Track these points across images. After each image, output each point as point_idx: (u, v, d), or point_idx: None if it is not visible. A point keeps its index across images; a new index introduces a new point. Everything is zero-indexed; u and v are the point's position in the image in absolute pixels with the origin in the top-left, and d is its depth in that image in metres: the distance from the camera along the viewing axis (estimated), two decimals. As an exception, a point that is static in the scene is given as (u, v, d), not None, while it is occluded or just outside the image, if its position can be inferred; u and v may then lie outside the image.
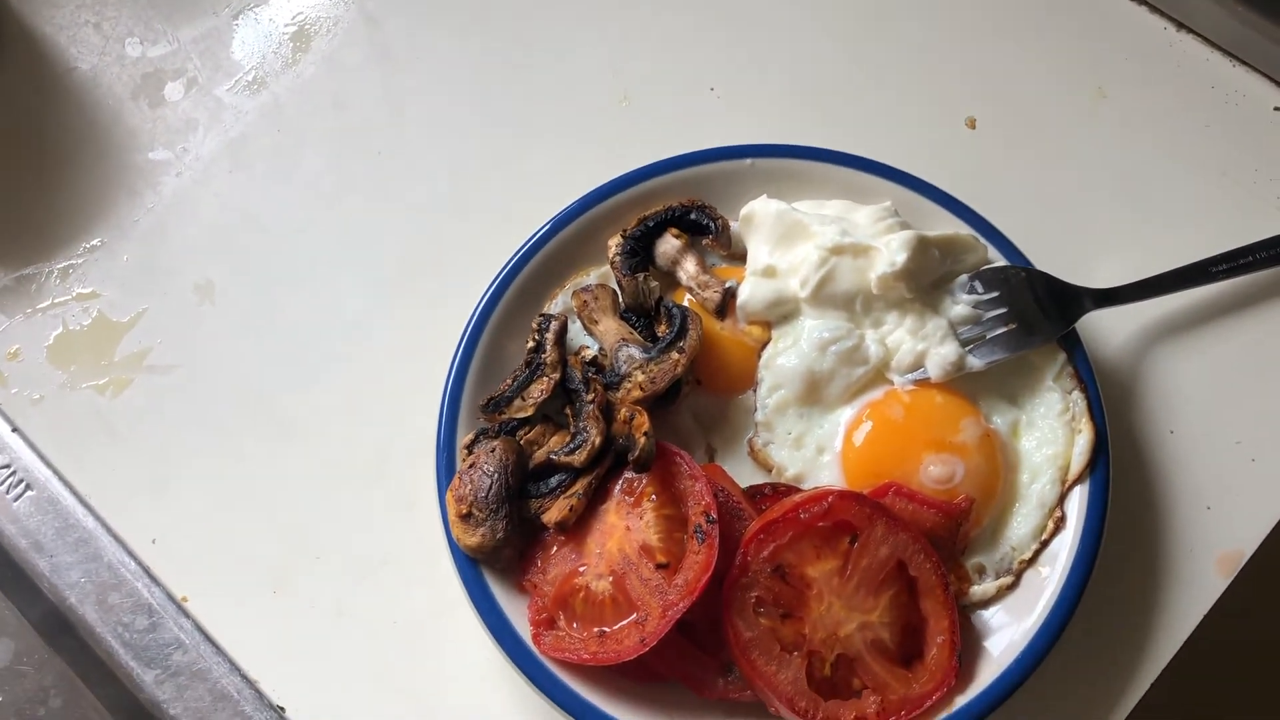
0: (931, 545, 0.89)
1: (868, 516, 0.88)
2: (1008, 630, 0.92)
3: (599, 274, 1.05)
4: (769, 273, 1.01)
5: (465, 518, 0.91)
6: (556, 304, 1.03)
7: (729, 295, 1.02)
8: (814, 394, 0.98)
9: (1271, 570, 1.02)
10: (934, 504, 0.92)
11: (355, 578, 1.01)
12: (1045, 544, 0.95)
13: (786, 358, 0.99)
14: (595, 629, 0.89)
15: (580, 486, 0.92)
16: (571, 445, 0.93)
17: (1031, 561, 0.94)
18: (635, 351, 0.97)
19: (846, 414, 0.98)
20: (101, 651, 0.99)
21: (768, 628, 0.87)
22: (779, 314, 1.01)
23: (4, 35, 1.26)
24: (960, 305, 1.00)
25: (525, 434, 0.96)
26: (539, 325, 0.99)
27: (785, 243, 1.02)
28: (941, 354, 0.97)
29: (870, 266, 0.98)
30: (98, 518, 1.03)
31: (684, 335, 0.96)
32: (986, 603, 0.94)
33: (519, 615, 0.91)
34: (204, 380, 1.10)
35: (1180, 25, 1.26)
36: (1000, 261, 1.03)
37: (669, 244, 1.04)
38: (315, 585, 1.01)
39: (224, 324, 1.12)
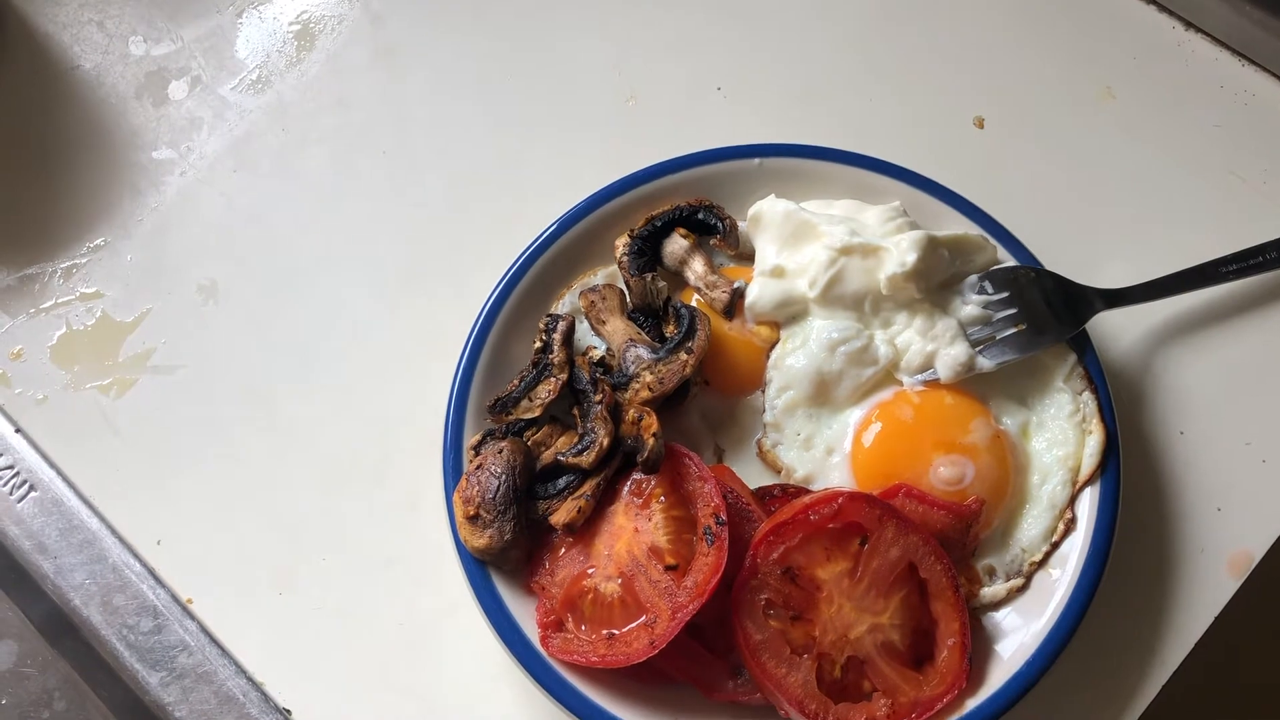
0: (942, 547, 0.89)
1: (878, 518, 0.88)
2: (1018, 632, 0.92)
3: (606, 274, 1.05)
4: (777, 273, 1.01)
5: (473, 519, 0.90)
6: (564, 304, 1.03)
7: (737, 295, 1.01)
8: (823, 395, 0.98)
9: (1283, 571, 1.02)
10: (944, 505, 0.92)
11: (360, 579, 1.01)
12: (1056, 545, 0.94)
13: (795, 358, 0.98)
14: (604, 631, 0.88)
15: (588, 488, 0.91)
16: (579, 446, 0.92)
17: (1042, 563, 0.94)
18: (643, 352, 0.96)
19: (856, 415, 0.98)
20: (106, 654, 0.99)
21: (777, 630, 0.86)
22: (787, 314, 1.01)
23: (7, 34, 1.26)
24: (970, 306, 1.00)
25: (532, 435, 0.95)
26: (546, 325, 0.99)
27: (793, 243, 1.01)
28: (951, 355, 0.97)
29: (879, 267, 0.97)
30: (102, 519, 1.03)
31: (692, 335, 0.96)
32: (997, 605, 0.94)
33: (527, 617, 0.90)
34: (208, 380, 1.09)
35: (1189, 25, 1.26)
36: (1010, 261, 1.03)
37: (677, 244, 1.04)
38: (321, 586, 1.01)
39: (228, 323, 1.12)
